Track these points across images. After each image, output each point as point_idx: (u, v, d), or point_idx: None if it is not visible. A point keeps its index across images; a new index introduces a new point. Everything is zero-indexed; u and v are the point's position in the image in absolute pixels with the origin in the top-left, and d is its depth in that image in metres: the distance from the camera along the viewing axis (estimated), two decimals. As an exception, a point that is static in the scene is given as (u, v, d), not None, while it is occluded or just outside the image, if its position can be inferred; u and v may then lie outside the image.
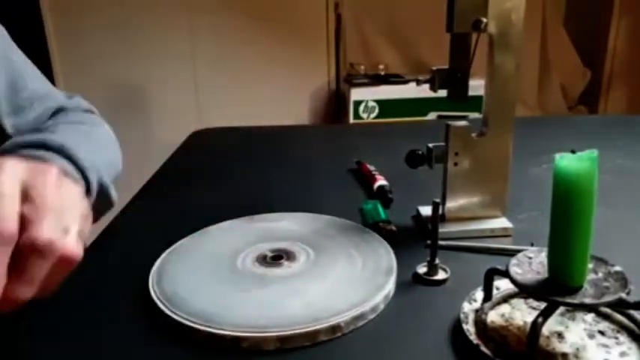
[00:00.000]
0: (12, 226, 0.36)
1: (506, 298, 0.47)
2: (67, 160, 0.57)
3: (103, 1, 2.13)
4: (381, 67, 2.23)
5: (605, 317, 0.44)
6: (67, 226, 0.39)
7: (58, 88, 0.74)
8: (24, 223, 0.37)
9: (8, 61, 0.66)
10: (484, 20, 0.55)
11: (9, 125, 0.67)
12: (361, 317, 0.45)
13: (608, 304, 0.39)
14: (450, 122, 0.60)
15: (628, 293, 0.39)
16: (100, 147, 0.68)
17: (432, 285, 0.51)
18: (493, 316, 0.45)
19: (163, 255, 0.55)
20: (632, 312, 0.43)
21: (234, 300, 0.47)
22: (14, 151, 0.55)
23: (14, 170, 0.38)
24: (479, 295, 0.47)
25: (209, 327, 0.43)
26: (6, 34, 0.67)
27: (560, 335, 0.42)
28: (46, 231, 0.37)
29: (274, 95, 2.28)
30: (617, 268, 0.41)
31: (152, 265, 0.53)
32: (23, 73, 0.68)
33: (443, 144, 0.60)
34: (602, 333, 0.43)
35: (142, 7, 2.16)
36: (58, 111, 0.71)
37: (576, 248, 0.39)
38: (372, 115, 2.14)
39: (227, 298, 0.47)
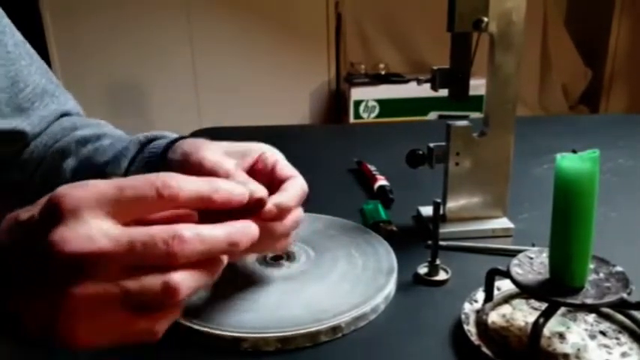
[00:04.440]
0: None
1: (507, 299, 0.47)
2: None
3: (102, 1, 2.13)
4: (382, 66, 2.23)
5: (607, 318, 0.44)
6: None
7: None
8: None
9: (5, 53, 0.58)
10: (485, 20, 0.54)
11: (11, 126, 0.61)
12: (362, 318, 0.45)
13: (610, 305, 0.39)
14: (450, 122, 0.60)
15: (629, 293, 0.38)
16: None
17: (432, 285, 0.51)
18: (494, 317, 0.45)
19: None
20: (634, 312, 0.43)
21: (234, 300, 0.47)
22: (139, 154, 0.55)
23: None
24: (480, 295, 0.47)
25: (209, 327, 0.43)
26: (4, 19, 0.59)
27: (561, 336, 0.42)
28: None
29: (274, 95, 2.28)
30: (619, 269, 0.41)
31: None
32: (23, 68, 0.61)
33: (444, 144, 0.60)
34: (603, 333, 0.42)
35: (141, 7, 2.16)
36: (64, 115, 0.65)
37: (577, 248, 0.39)
38: (373, 115, 2.14)
39: (227, 299, 0.47)
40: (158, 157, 0.53)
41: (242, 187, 0.37)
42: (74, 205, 0.31)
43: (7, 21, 0.60)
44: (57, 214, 0.31)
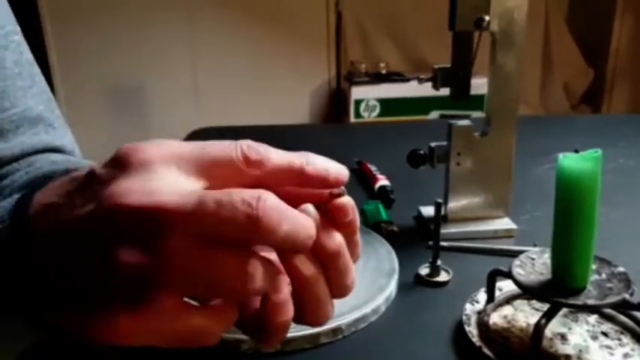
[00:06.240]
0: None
1: (508, 300, 0.47)
2: None
3: (102, 1, 2.13)
4: (382, 65, 2.22)
5: (609, 318, 0.44)
6: None
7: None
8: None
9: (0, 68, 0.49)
10: (486, 18, 0.54)
11: None
12: (363, 319, 0.45)
13: (612, 306, 0.39)
14: (452, 121, 0.59)
15: (631, 294, 0.38)
16: None
17: (434, 286, 0.51)
18: (495, 318, 0.45)
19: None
20: (636, 313, 0.43)
21: (234, 301, 0.47)
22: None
23: None
24: (481, 296, 0.47)
25: (209, 329, 0.43)
26: (15, 36, 0.51)
27: (563, 337, 0.42)
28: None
29: (274, 94, 2.28)
30: (621, 269, 0.41)
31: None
32: (17, 88, 0.51)
33: (445, 143, 0.60)
34: (605, 334, 0.42)
35: (141, 7, 2.15)
36: (55, 150, 0.51)
37: (579, 249, 0.39)
38: (373, 114, 2.14)
39: (227, 300, 0.47)
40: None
41: (341, 168, 0.30)
42: (147, 158, 0.26)
43: (17, 38, 0.52)
44: (122, 167, 0.26)
